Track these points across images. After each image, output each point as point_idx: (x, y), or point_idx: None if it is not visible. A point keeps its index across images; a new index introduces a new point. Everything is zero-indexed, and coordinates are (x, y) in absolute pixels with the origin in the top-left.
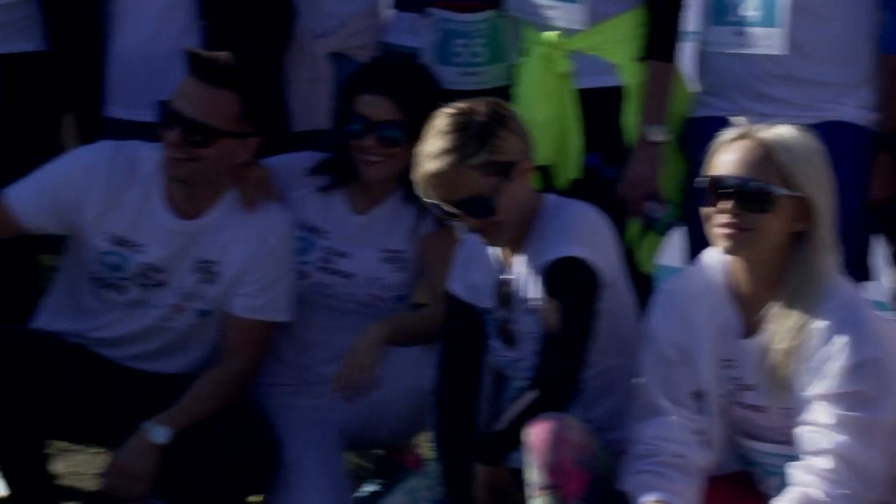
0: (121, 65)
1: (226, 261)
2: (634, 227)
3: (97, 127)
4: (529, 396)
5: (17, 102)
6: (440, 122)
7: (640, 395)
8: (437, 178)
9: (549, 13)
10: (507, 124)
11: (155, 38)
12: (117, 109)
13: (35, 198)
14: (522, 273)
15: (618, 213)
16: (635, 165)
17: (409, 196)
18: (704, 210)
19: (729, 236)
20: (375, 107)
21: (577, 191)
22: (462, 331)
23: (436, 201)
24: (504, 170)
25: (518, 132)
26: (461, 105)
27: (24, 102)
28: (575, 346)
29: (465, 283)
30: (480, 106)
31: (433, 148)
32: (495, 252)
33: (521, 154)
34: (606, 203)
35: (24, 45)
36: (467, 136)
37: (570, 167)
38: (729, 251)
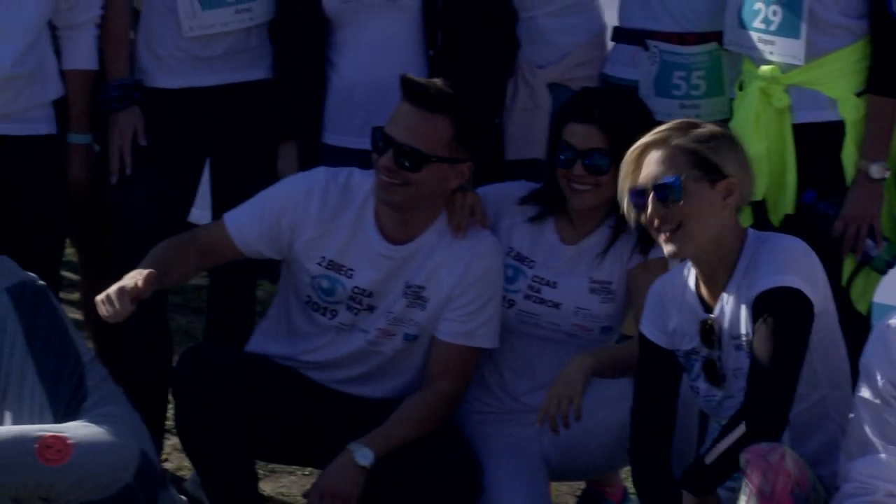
0: (342, 93)
1: (434, 286)
2: (850, 264)
3: (315, 154)
4: (740, 429)
5: (237, 130)
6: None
7: (852, 431)
8: (646, 148)
9: (767, 48)
10: (730, 141)
11: (379, 67)
12: (336, 137)
13: (253, 222)
14: (728, 309)
15: (833, 250)
16: (854, 202)
17: (619, 227)
18: None
19: None
20: (583, 135)
21: (790, 226)
22: (656, 371)
23: (634, 187)
24: (711, 169)
25: (738, 155)
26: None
27: (244, 130)
28: (785, 376)
29: (660, 328)
30: (709, 123)
31: (649, 131)
32: (692, 292)
33: (733, 172)
34: (821, 239)
35: (253, 73)
36: (686, 127)
37: (786, 203)
38: None
